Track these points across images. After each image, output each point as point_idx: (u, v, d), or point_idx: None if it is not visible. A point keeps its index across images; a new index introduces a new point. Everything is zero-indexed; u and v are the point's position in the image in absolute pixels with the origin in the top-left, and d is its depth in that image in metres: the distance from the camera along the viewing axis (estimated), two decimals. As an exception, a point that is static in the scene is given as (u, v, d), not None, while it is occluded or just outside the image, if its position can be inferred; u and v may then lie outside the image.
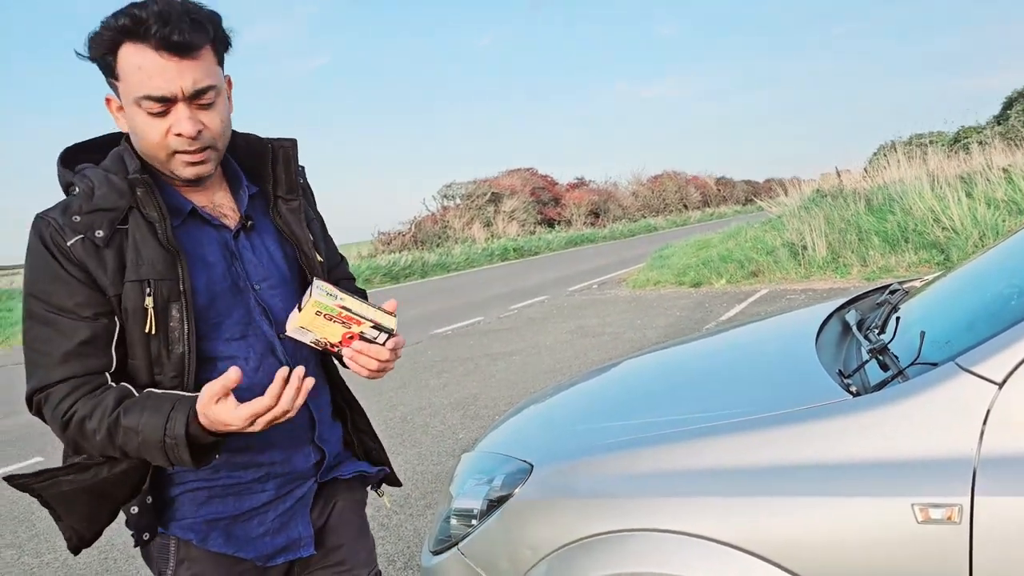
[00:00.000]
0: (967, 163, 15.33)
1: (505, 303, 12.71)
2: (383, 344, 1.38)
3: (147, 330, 1.29)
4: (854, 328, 2.10)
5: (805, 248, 12.80)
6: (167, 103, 1.27)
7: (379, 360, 1.38)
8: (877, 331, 2.03)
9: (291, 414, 1.25)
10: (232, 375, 1.20)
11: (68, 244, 1.27)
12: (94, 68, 1.33)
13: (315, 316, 1.33)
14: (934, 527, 1.37)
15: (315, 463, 1.53)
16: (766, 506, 1.52)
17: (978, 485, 1.36)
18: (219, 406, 1.21)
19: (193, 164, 1.33)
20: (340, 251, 1.75)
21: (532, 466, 1.87)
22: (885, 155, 17.73)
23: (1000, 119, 24.11)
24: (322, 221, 1.65)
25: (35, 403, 1.32)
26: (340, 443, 1.62)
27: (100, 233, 1.28)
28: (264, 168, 1.49)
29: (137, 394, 1.29)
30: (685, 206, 48.03)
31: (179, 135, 1.29)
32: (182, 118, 1.28)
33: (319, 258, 1.52)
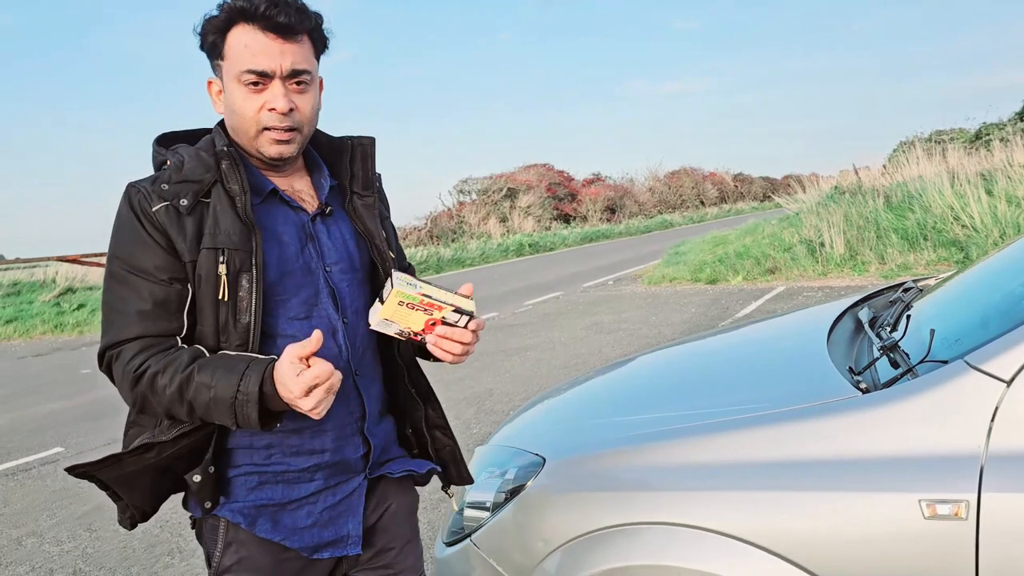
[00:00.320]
0: (988, 160, 15.18)
1: (520, 299, 12.74)
2: (465, 327, 1.42)
3: (219, 296, 1.35)
4: (866, 326, 2.11)
5: (823, 245, 12.74)
6: (266, 79, 1.37)
7: (462, 343, 1.43)
8: (889, 329, 2.04)
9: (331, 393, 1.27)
10: (316, 336, 1.25)
11: (153, 209, 1.35)
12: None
13: (398, 307, 1.38)
14: (941, 523, 1.39)
15: (363, 455, 1.54)
16: (775, 501, 1.54)
17: (985, 482, 1.38)
18: (290, 366, 1.24)
19: (279, 142, 1.41)
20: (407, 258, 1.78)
21: (544, 459, 1.90)
22: (905, 152, 17.60)
23: (1022, 116, 23.87)
24: (394, 228, 1.69)
25: (107, 359, 1.38)
26: (390, 439, 1.62)
27: (184, 202, 1.36)
28: (342, 164, 1.56)
29: (209, 355, 1.35)
30: (702, 202, 47.84)
31: (272, 110, 1.38)
32: (277, 94, 1.38)
33: (391, 254, 1.57)
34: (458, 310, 1.41)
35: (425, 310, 1.39)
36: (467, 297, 1.43)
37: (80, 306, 14.77)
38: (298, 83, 1.40)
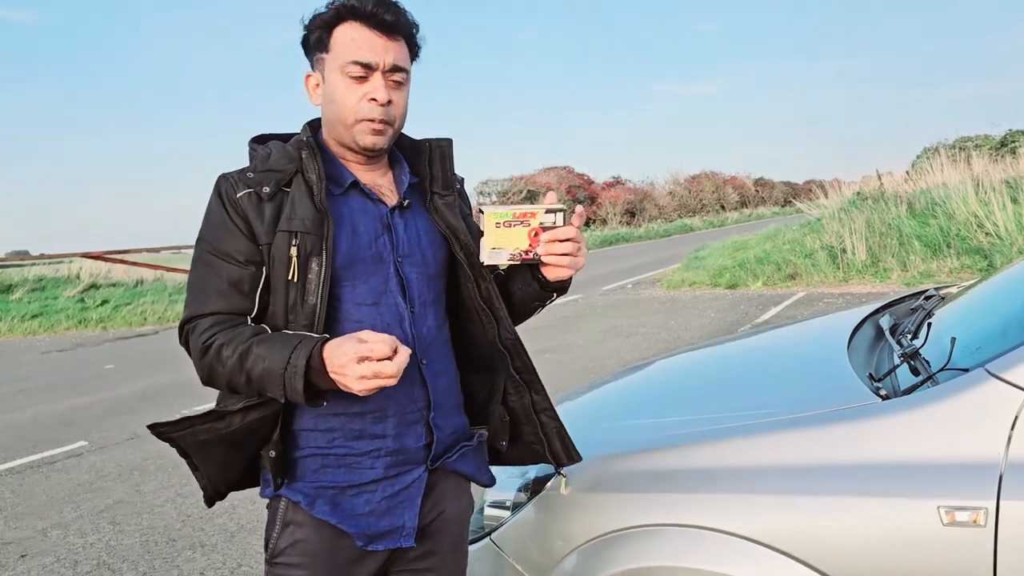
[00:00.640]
0: (1014, 167, 15.04)
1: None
2: (563, 223, 1.48)
3: (289, 277, 1.43)
4: (887, 333, 2.11)
5: (844, 251, 12.68)
6: (369, 71, 1.48)
7: (570, 239, 1.49)
8: (910, 336, 2.04)
9: (392, 380, 1.31)
10: (394, 348, 1.30)
11: (238, 196, 1.46)
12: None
13: (495, 228, 1.49)
14: (959, 530, 1.40)
15: (425, 445, 1.56)
16: (793, 505, 1.55)
17: (1004, 490, 1.38)
18: (347, 341, 1.31)
19: (374, 132, 1.50)
20: None
21: (564, 460, 1.92)
22: (929, 158, 17.46)
23: (1049, 123, 23.58)
24: (476, 226, 1.71)
25: (184, 331, 1.48)
26: (459, 434, 1.65)
27: (266, 189, 1.46)
28: (422, 165, 1.64)
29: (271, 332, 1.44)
30: (722, 207, 47.65)
31: (373, 100, 1.48)
32: (378, 86, 1.48)
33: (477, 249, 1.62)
34: (550, 211, 1.48)
35: (521, 222, 1.49)
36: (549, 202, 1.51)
37: (104, 302, 14.94)
38: (396, 79, 1.51)
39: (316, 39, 1.52)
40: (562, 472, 1.75)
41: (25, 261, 20.43)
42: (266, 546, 1.54)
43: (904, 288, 10.32)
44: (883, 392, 1.66)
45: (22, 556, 3.91)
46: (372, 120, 1.49)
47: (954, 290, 2.61)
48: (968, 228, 11.89)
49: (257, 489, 1.59)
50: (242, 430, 1.46)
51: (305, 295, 1.44)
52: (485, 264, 1.52)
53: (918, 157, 21.86)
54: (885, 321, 2.28)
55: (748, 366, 2.40)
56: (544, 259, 1.51)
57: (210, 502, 1.57)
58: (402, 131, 1.61)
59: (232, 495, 1.60)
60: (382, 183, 1.59)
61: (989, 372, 1.48)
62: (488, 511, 2.05)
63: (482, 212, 1.50)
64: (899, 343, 1.97)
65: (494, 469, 1.99)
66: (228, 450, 1.48)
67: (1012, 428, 1.41)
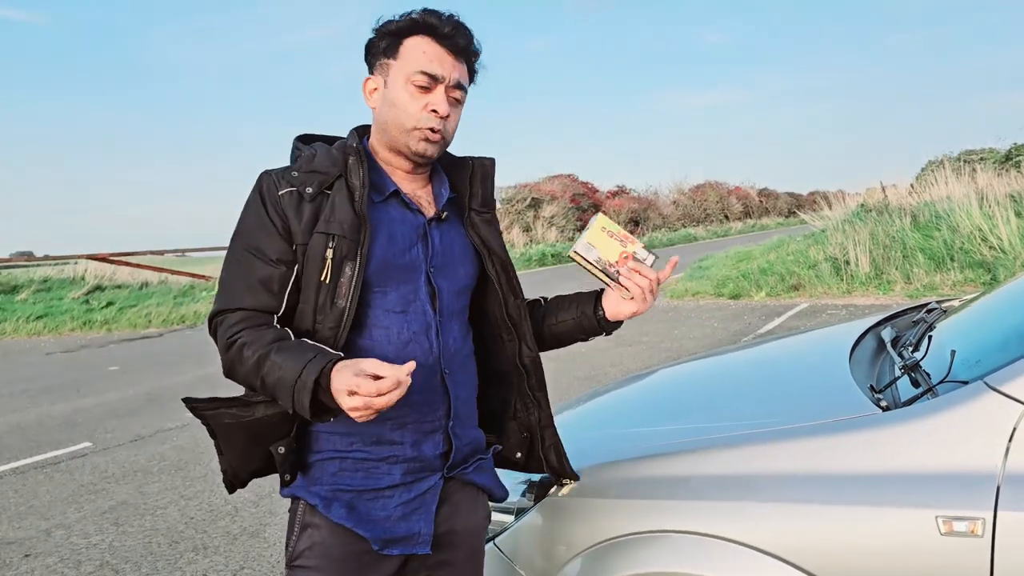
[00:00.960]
0: (1018, 181, 15.04)
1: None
2: (651, 266, 1.61)
3: (322, 278, 1.47)
4: (888, 345, 2.13)
5: (848, 263, 12.68)
6: (434, 83, 1.54)
7: (649, 279, 1.61)
8: (911, 348, 2.06)
9: (383, 407, 1.29)
10: (403, 371, 1.29)
11: (279, 193, 1.49)
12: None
13: (600, 231, 1.60)
14: (957, 540, 1.42)
15: (442, 454, 1.59)
16: (793, 513, 1.57)
17: (1001, 501, 1.40)
18: (353, 366, 1.31)
19: (427, 141, 1.55)
20: None
21: (568, 467, 1.94)
22: (933, 171, 17.47)
23: (1054, 137, 23.57)
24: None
25: (213, 324, 1.51)
26: (476, 446, 1.68)
27: (309, 190, 1.50)
28: (462, 181, 1.68)
29: (293, 339, 1.45)
30: (726, 217, 47.61)
31: (433, 111, 1.53)
32: (440, 98, 1.54)
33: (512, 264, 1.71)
34: (648, 248, 1.61)
35: (621, 241, 1.61)
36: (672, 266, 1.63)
37: (108, 304, 14.99)
38: (456, 96, 1.57)
39: (386, 45, 1.56)
40: (564, 482, 1.80)
41: (31, 262, 20.49)
42: (286, 548, 1.56)
43: (907, 300, 10.33)
44: (884, 403, 1.68)
45: (25, 556, 3.93)
46: (429, 129, 1.54)
47: (956, 303, 2.63)
48: (972, 241, 11.90)
49: (260, 493, 1.62)
50: (264, 422, 1.48)
51: (335, 298, 1.46)
52: (574, 251, 1.61)
53: (923, 170, 21.86)
54: (887, 333, 2.30)
55: (752, 377, 2.42)
56: (622, 280, 1.61)
57: (230, 487, 1.59)
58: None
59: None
60: (421, 194, 1.63)
61: (988, 385, 1.50)
62: (493, 516, 2.07)
63: (597, 211, 1.58)
64: (900, 355, 1.99)
65: (501, 476, 2.01)
66: (249, 439, 1.51)
67: (1010, 440, 1.44)
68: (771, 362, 2.59)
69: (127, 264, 17.67)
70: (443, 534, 1.62)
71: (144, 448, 5.78)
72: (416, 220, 1.59)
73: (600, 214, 1.63)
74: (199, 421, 1.51)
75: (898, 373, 1.84)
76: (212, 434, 1.53)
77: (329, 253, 1.46)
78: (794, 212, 33.92)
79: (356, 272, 1.47)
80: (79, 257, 18.07)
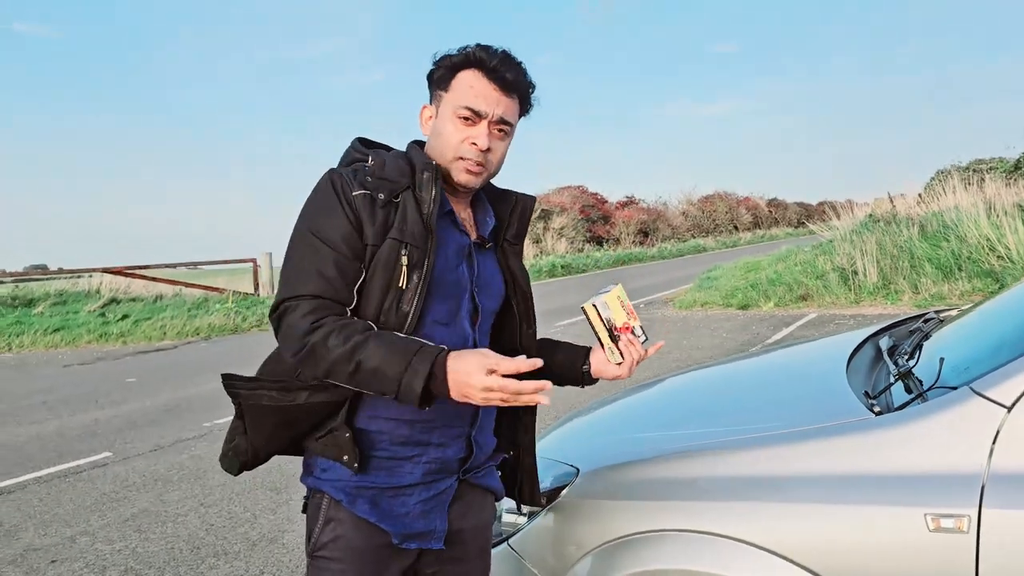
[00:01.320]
0: (1026, 191, 15.07)
1: (551, 320, 12.86)
2: (642, 343, 1.79)
3: (397, 283, 1.55)
4: (884, 353, 2.23)
5: (856, 273, 12.75)
6: (478, 118, 1.62)
7: (640, 353, 1.77)
8: (906, 356, 2.16)
9: (511, 397, 1.42)
10: (527, 363, 1.43)
11: (353, 194, 1.56)
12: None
13: (616, 299, 1.79)
14: (944, 536, 1.51)
15: (461, 459, 1.70)
16: (791, 512, 1.67)
17: (986, 499, 1.50)
18: (473, 356, 1.43)
19: (469, 172, 1.64)
20: None
21: (578, 470, 2.04)
22: (942, 181, 17.51)
23: (1064, 146, 23.53)
24: None
25: (280, 309, 1.54)
26: (488, 452, 1.78)
27: (381, 196, 1.57)
28: (504, 212, 1.79)
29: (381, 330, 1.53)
30: (735, 227, 47.67)
31: (473, 144, 1.62)
32: (481, 133, 1.63)
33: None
34: (643, 329, 1.81)
35: (628, 313, 1.80)
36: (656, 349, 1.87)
37: (124, 316, 15.16)
38: (500, 130, 1.65)
39: (440, 77, 1.66)
40: (523, 512, 2.00)
41: (46, 275, 20.71)
42: (308, 538, 1.66)
43: (915, 310, 10.38)
44: (877, 409, 1.77)
45: (52, 562, 4.05)
46: (469, 160, 1.63)
47: (954, 313, 2.72)
48: (980, 251, 11.95)
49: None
50: (304, 408, 1.57)
51: (401, 302, 1.54)
52: (591, 305, 1.75)
53: (932, 179, 21.89)
54: (884, 342, 2.40)
55: (754, 384, 2.52)
56: (620, 346, 1.76)
57: (242, 468, 1.67)
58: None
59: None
60: (465, 217, 1.73)
61: (973, 390, 1.60)
62: (506, 517, 2.17)
63: (616, 283, 1.82)
64: (895, 363, 2.09)
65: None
66: (281, 423, 1.59)
67: (994, 442, 1.53)
68: (773, 370, 2.68)
69: (142, 277, 17.86)
70: (456, 531, 1.72)
71: (163, 458, 5.90)
72: (463, 240, 1.69)
73: (619, 285, 1.80)
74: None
75: (892, 380, 1.94)
76: (239, 414, 1.61)
77: (404, 259, 1.54)
78: (803, 222, 33.96)
79: (421, 280, 1.55)
80: (94, 270, 18.27)
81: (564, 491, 2.02)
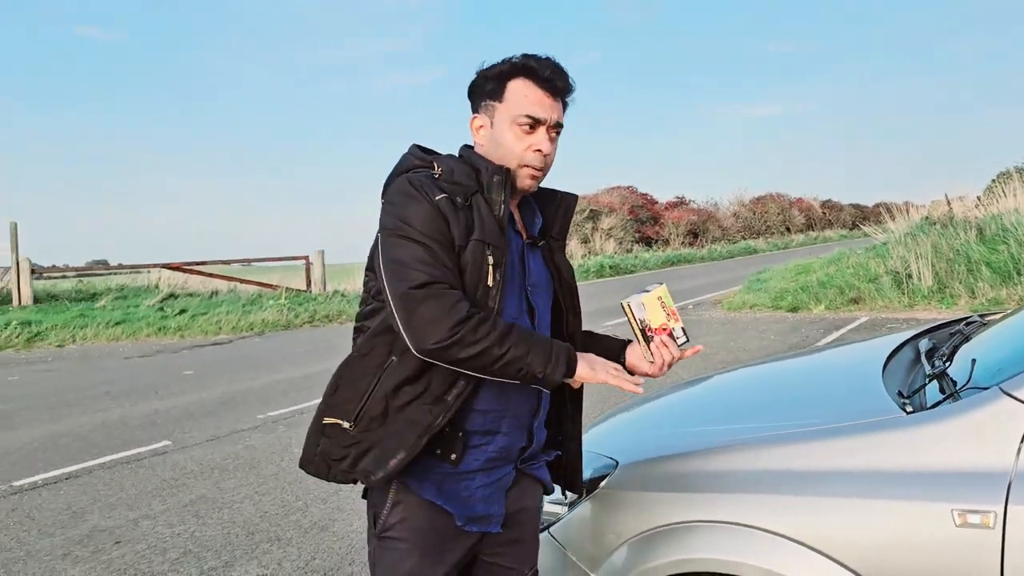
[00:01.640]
0: (1091, 194, 14.63)
1: (599, 320, 12.91)
2: (680, 346, 1.80)
3: (489, 282, 1.64)
4: (922, 355, 2.27)
5: (910, 277, 12.53)
6: (537, 124, 1.71)
7: (673, 356, 1.79)
8: (944, 358, 2.19)
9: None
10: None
11: (436, 198, 1.64)
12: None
13: (656, 300, 1.79)
14: (970, 531, 1.56)
15: (521, 447, 1.80)
16: (821, 505, 1.73)
17: (1012, 496, 1.54)
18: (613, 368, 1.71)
19: (532, 178, 1.74)
20: None
21: (617, 462, 2.13)
22: (1002, 183, 17.08)
23: None
24: None
25: (422, 293, 1.56)
26: (543, 442, 1.89)
27: (459, 199, 1.66)
28: (549, 211, 1.88)
29: None
30: (788, 229, 46.99)
31: (537, 150, 1.71)
32: (543, 139, 1.71)
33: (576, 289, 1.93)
34: (684, 331, 1.81)
35: (668, 315, 1.80)
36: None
37: (181, 311, 15.60)
38: (555, 134, 1.74)
39: (490, 88, 1.73)
40: (566, 498, 2.09)
41: (108, 271, 21.38)
42: (374, 521, 1.74)
43: (971, 315, 10.17)
44: (909, 408, 1.82)
45: (116, 543, 4.25)
46: (533, 167, 1.72)
47: (996, 317, 2.73)
48: (1040, 255, 11.66)
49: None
50: (430, 399, 1.65)
51: (488, 299, 1.64)
52: (627, 303, 1.79)
53: (992, 181, 21.34)
54: (923, 344, 2.43)
55: (791, 381, 2.58)
56: (652, 347, 1.79)
57: (363, 478, 1.70)
58: None
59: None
60: (518, 219, 1.83)
61: (1003, 391, 1.64)
62: (547, 507, 2.25)
63: (659, 284, 1.82)
64: (932, 364, 2.12)
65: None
66: (403, 425, 1.65)
67: (1022, 440, 1.57)
68: (811, 369, 2.73)
69: (199, 273, 18.36)
70: (512, 514, 1.82)
71: (219, 447, 6.12)
72: (518, 241, 1.79)
73: (663, 286, 1.82)
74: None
75: (926, 380, 1.98)
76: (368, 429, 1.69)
77: (490, 259, 1.64)
78: (858, 224, 33.32)
79: (501, 277, 1.66)
80: (153, 266, 18.85)
81: (603, 482, 2.10)
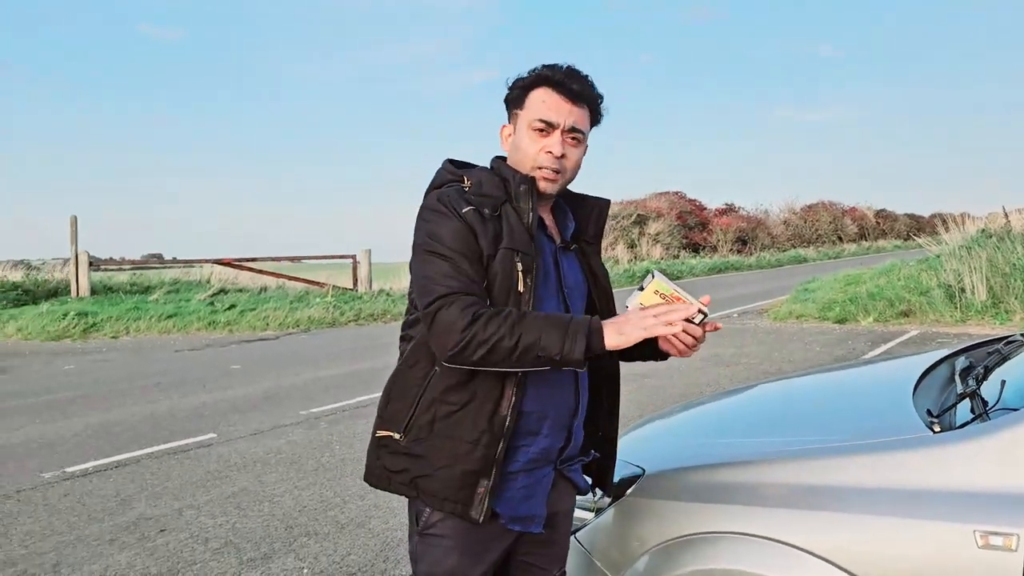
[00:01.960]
0: None
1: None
2: (699, 324, 1.70)
3: (520, 289, 1.70)
4: (956, 374, 2.25)
5: (963, 290, 12.25)
6: (551, 128, 1.77)
7: (694, 337, 1.73)
8: (978, 378, 2.17)
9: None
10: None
11: (463, 211, 1.71)
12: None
13: (654, 295, 1.72)
14: (992, 553, 1.55)
15: (560, 448, 1.84)
16: (842, 521, 1.73)
17: (1036, 519, 1.53)
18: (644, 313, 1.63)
19: (546, 179, 1.79)
20: None
21: (644, 471, 2.15)
22: (1064, 196, 16.59)
23: None
24: None
25: (437, 305, 1.63)
26: (580, 443, 1.92)
27: (487, 211, 1.73)
28: (582, 216, 1.93)
29: None
30: (839, 238, 46.18)
31: (548, 152, 1.76)
32: (555, 142, 1.77)
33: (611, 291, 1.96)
34: (700, 311, 1.69)
35: (672, 301, 1.71)
36: (705, 304, 1.72)
37: (231, 306, 15.93)
38: (573, 138, 1.79)
39: (515, 98, 1.82)
40: (595, 501, 2.07)
41: (162, 264, 21.94)
42: (416, 519, 1.80)
43: (1013, 334, 9.91)
44: (936, 427, 1.81)
45: (161, 531, 4.39)
46: (546, 169, 1.77)
47: (1039, 337, 2.68)
48: (1101, 272, 11.31)
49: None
50: (477, 401, 1.71)
51: (520, 305, 1.69)
52: (626, 307, 1.76)
53: (1054, 194, 20.70)
54: (960, 362, 2.40)
55: (825, 396, 2.57)
56: (669, 337, 1.72)
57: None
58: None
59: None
60: (550, 224, 1.88)
61: (1032, 413, 1.63)
62: (575, 513, 2.29)
63: (652, 276, 1.74)
64: (965, 383, 2.11)
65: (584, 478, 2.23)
66: (446, 442, 1.72)
67: (1048, 464, 1.56)
68: (846, 383, 2.72)
69: (249, 269, 18.73)
70: (550, 515, 1.86)
71: (262, 441, 6.26)
72: (551, 245, 1.85)
73: (655, 278, 1.73)
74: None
75: (956, 400, 1.97)
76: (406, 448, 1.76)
77: (519, 266, 1.70)
78: (913, 235, 32.53)
79: (533, 283, 1.71)
80: (205, 261, 19.29)
81: (629, 489, 2.13)
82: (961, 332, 10.91)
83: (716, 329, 1.76)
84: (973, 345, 2.76)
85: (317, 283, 18.54)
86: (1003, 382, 1.79)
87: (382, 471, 1.81)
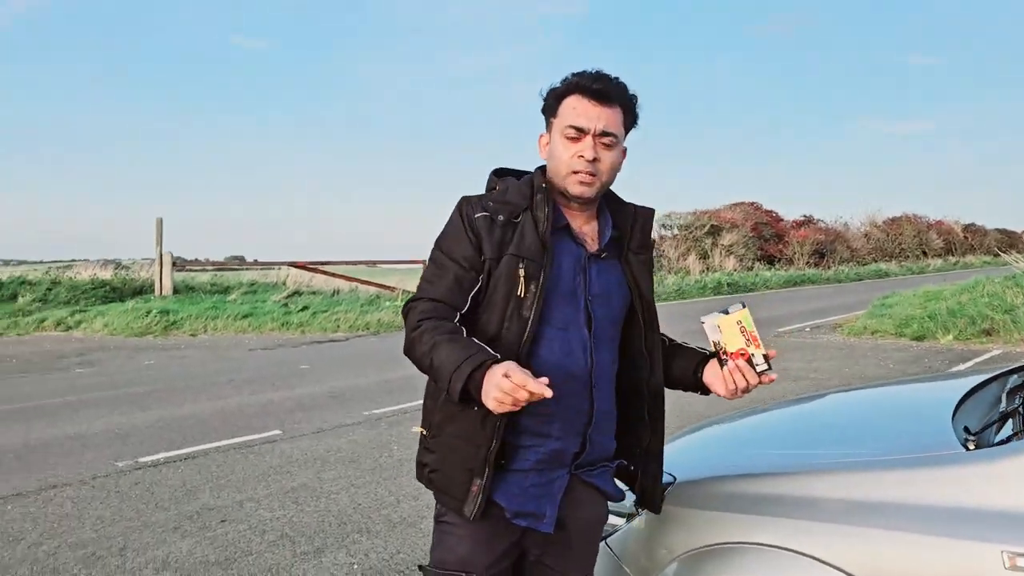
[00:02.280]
0: None
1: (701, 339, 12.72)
2: (758, 372, 1.77)
3: (517, 293, 1.76)
4: (1004, 392, 2.18)
5: (1051, 310, 11.70)
6: (582, 133, 1.80)
7: (748, 382, 1.80)
8: (1025, 397, 2.11)
9: (514, 405, 1.56)
10: (545, 390, 1.54)
11: (475, 216, 1.80)
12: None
13: (735, 323, 1.77)
14: (1020, 575, 1.51)
15: (575, 453, 1.87)
16: (873, 537, 1.70)
17: (1067, 542, 1.48)
18: (504, 368, 1.57)
19: (581, 183, 1.82)
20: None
21: (675, 479, 2.15)
22: None
23: None
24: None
25: (407, 307, 1.82)
26: (605, 452, 1.94)
27: (500, 217, 1.80)
28: (625, 224, 1.96)
29: (464, 337, 1.74)
30: (924, 252, 44.59)
31: (580, 156, 1.80)
32: (587, 146, 1.80)
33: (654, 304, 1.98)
34: (766, 358, 1.75)
35: (747, 340, 1.77)
36: (771, 356, 1.78)
37: (304, 308, 16.37)
38: (605, 142, 1.82)
39: (549, 107, 1.88)
40: (639, 512, 2.06)
41: (241, 266, 22.67)
42: (436, 509, 1.90)
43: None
44: (971, 445, 1.77)
45: (222, 521, 4.55)
46: (579, 172, 1.80)
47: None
48: None
49: (420, 487, 1.92)
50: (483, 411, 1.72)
51: (522, 309, 1.76)
52: (703, 320, 1.82)
53: None
54: (1013, 381, 2.33)
55: (872, 411, 2.52)
56: (724, 372, 1.81)
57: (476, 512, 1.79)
58: (611, 189, 1.92)
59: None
60: (587, 230, 1.91)
61: (1068, 433, 1.58)
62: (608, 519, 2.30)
63: (741, 305, 1.80)
64: (1009, 402, 2.05)
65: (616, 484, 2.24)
66: (463, 448, 1.79)
67: (1082, 486, 1.51)
68: (893, 400, 2.65)
69: (323, 272, 19.21)
70: (567, 521, 1.88)
71: (324, 440, 6.42)
72: (579, 252, 1.87)
73: (745, 309, 1.79)
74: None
75: (996, 418, 1.91)
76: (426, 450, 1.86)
77: (521, 272, 1.76)
78: (1002, 251, 31.19)
79: (539, 289, 1.76)
80: (282, 264, 19.87)
81: (636, 510, 2.13)
82: (1047, 353, 10.43)
83: (771, 381, 1.79)
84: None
85: (388, 287, 18.88)
86: (1042, 400, 1.74)
87: (417, 465, 1.92)
